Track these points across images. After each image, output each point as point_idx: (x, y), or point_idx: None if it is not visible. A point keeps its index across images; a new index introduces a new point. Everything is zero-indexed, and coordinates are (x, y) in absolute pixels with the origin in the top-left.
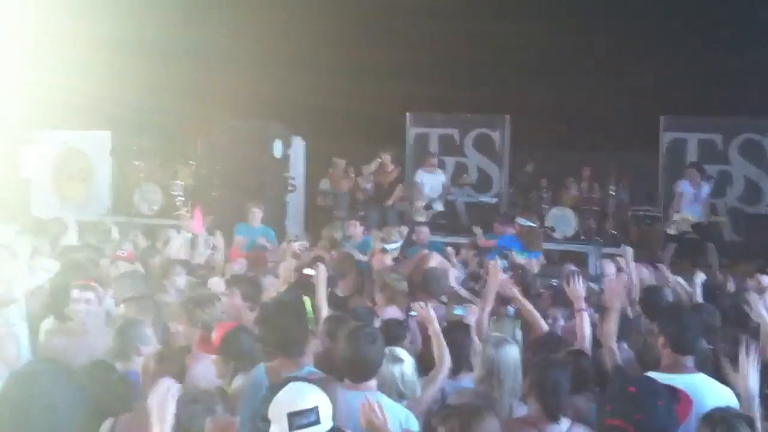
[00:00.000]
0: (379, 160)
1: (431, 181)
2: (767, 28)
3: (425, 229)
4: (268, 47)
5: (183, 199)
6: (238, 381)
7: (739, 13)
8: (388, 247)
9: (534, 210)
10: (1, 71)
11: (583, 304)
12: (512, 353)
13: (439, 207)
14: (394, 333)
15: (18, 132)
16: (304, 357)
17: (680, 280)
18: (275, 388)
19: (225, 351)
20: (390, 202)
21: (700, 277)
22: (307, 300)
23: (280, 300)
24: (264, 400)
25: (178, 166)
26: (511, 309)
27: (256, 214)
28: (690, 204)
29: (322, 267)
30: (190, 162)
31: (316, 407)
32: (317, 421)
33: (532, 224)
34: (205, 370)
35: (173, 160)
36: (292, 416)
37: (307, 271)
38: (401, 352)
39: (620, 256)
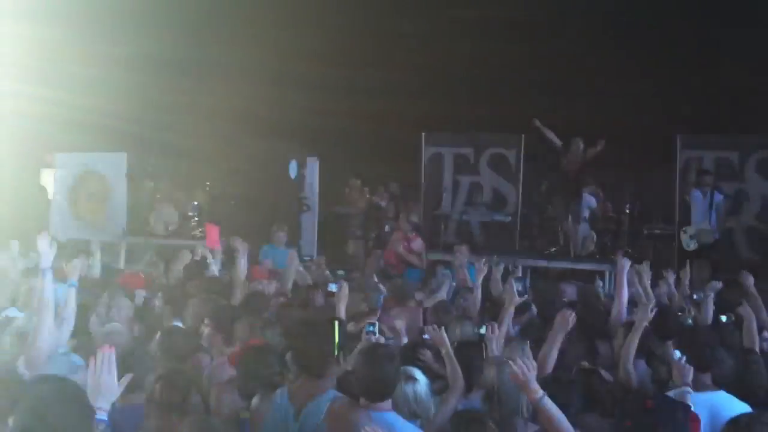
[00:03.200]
0: None
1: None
2: None
3: (464, 248)
4: (283, 67)
5: (198, 219)
6: (256, 403)
7: (757, 30)
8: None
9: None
10: (19, 93)
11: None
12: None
13: None
14: (415, 354)
15: (38, 154)
16: (326, 380)
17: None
18: None
19: (242, 371)
20: None
21: (711, 294)
22: (336, 324)
23: (306, 319)
24: None
25: (194, 186)
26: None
27: (281, 236)
28: (703, 212)
29: (344, 285)
30: (206, 182)
31: None
32: None
33: None
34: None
35: (189, 181)
36: None
37: (331, 287)
38: (415, 371)
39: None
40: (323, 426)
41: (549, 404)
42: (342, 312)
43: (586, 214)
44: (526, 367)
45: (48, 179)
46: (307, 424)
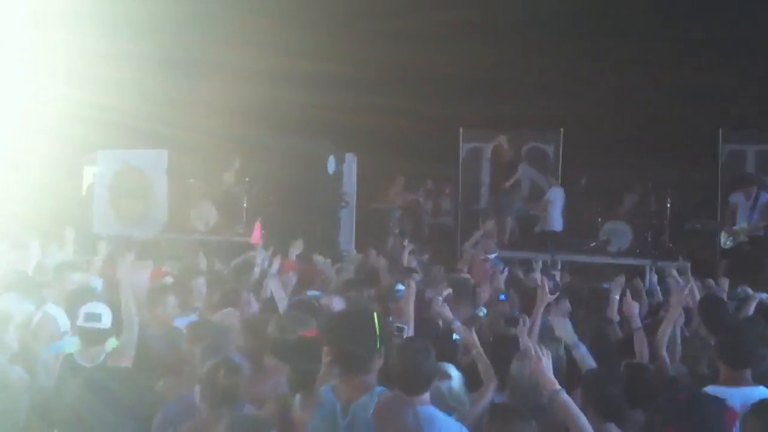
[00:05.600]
0: None
1: None
2: None
3: (492, 241)
4: (321, 66)
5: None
6: (299, 401)
7: None
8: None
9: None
10: (62, 94)
11: (639, 322)
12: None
13: None
14: (447, 350)
15: (80, 152)
16: (370, 375)
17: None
18: None
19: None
20: None
21: (758, 297)
22: (376, 316)
23: (345, 313)
24: None
25: (233, 182)
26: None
27: None
28: (747, 215)
29: (412, 283)
30: (245, 179)
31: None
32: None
33: None
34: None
35: (228, 177)
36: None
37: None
38: (449, 367)
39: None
40: (371, 420)
41: (566, 399)
42: (410, 313)
43: None
44: (541, 353)
45: (89, 176)
46: (357, 420)
